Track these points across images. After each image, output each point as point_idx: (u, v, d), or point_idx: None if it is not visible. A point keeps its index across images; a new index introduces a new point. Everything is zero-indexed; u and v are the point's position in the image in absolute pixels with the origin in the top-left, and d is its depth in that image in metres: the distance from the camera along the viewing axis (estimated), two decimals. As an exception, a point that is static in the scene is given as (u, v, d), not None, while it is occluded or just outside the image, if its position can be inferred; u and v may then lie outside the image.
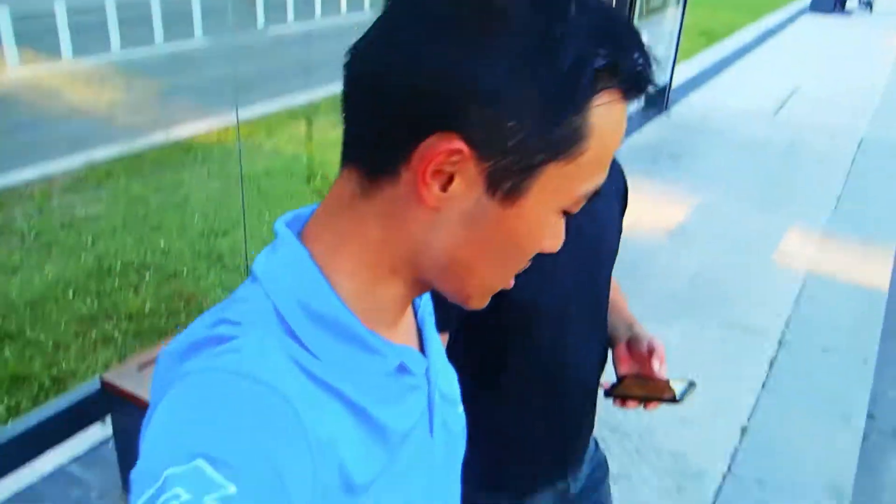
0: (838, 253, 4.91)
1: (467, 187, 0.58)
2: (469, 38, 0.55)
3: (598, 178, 0.62)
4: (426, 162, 0.57)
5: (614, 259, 1.39)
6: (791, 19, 14.34)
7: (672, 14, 7.13)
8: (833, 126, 7.63)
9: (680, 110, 7.75)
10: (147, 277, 4.13)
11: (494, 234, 0.61)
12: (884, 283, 4.57)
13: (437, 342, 0.81)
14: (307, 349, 0.60)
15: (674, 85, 7.68)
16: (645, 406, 1.28)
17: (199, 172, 5.73)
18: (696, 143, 6.78)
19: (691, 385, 1.28)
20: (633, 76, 0.58)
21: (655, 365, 1.29)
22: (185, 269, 4.23)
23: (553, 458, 1.40)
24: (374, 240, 0.63)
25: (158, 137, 6.33)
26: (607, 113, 0.58)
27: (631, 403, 1.28)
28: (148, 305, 3.87)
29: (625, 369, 1.33)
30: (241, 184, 4.99)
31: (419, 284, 0.67)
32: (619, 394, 1.29)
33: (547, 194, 0.59)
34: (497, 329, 1.21)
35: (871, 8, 15.41)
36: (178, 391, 0.54)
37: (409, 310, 0.75)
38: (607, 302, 1.39)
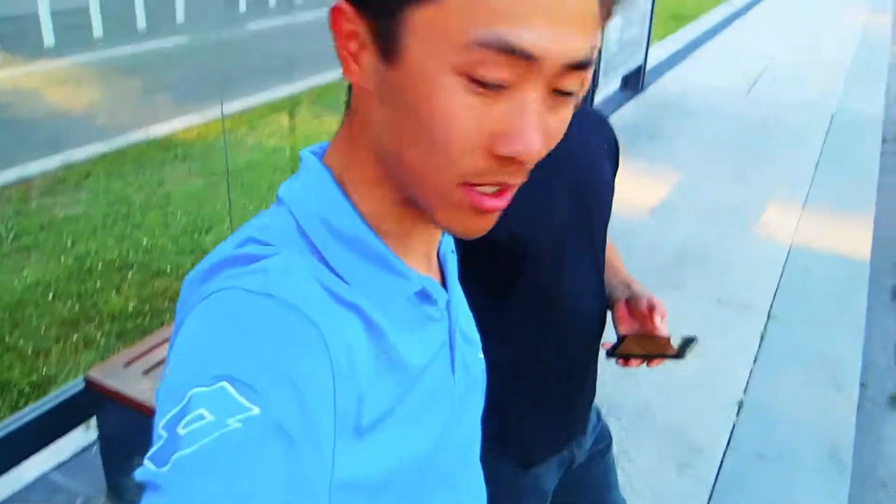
0: (820, 224, 4.96)
1: (370, 55, 0.58)
2: None
3: (486, 24, 0.51)
4: (338, 35, 0.58)
5: (609, 209, 1.38)
6: (757, 0, 14.47)
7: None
8: (805, 101, 7.72)
9: (655, 91, 7.78)
10: (130, 277, 4.06)
11: (399, 105, 0.57)
12: (865, 251, 4.63)
13: (457, 280, 0.79)
14: (331, 268, 0.61)
15: (648, 66, 7.70)
16: (648, 364, 1.28)
17: (181, 169, 5.64)
18: (672, 123, 6.81)
19: (692, 340, 1.28)
20: None
21: (657, 320, 1.28)
22: (169, 267, 4.16)
23: (558, 417, 1.38)
24: (363, 150, 0.63)
25: (138, 135, 6.25)
26: None
27: (634, 362, 1.28)
28: (132, 305, 3.80)
29: (625, 328, 1.33)
30: (228, 178, 4.94)
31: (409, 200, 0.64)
32: (621, 353, 1.29)
33: (425, 46, 0.54)
34: (496, 265, 1.21)
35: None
36: (205, 308, 0.54)
37: (433, 246, 0.74)
38: (604, 249, 1.38)
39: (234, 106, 6.93)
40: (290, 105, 7.22)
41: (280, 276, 0.56)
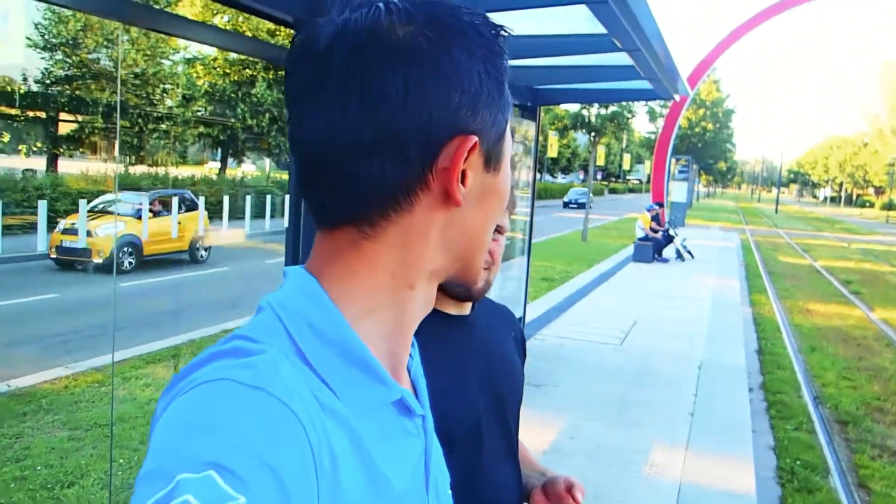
0: (704, 463, 5.07)
1: (474, 173, 0.67)
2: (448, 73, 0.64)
3: None
4: (454, 168, 0.64)
5: (520, 396, 1.42)
6: (619, 266, 15.87)
7: (519, 261, 7.73)
8: (673, 353, 8.21)
9: (535, 343, 8.11)
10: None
11: (494, 200, 0.70)
12: (750, 487, 4.72)
13: (429, 407, 0.80)
14: (315, 371, 0.62)
15: (526, 321, 8.08)
16: None
17: (44, 421, 5.23)
18: (553, 372, 7.04)
19: None
20: None
21: (578, 496, 1.32)
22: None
23: None
24: (387, 269, 0.67)
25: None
26: None
27: None
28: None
29: None
30: (111, 428, 4.60)
31: (428, 297, 0.72)
32: None
33: (508, 148, 0.71)
34: None
35: (682, 258, 17.32)
36: (195, 396, 0.55)
37: (404, 366, 0.76)
38: (517, 436, 1.40)
39: (105, 359, 6.73)
40: (168, 356, 7.03)
41: (269, 371, 0.57)
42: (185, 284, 12.11)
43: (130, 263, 12.29)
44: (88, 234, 11.69)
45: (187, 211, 13.54)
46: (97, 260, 11.67)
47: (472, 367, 1.31)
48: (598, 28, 4.40)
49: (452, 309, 1.31)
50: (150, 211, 13.18)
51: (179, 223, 13.11)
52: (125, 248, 12.23)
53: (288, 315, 0.64)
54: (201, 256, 14.15)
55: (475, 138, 0.65)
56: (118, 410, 5.50)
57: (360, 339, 0.65)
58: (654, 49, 4.75)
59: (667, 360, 7.86)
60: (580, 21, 4.77)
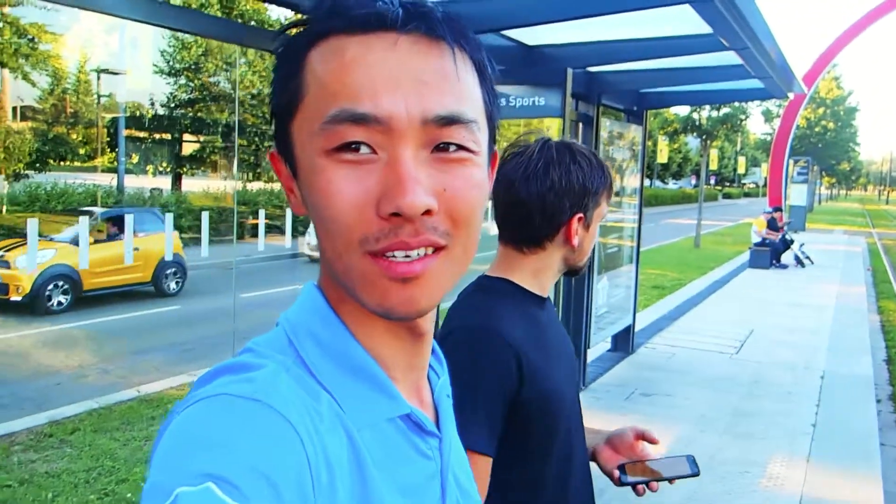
0: (827, 478, 4.82)
1: (295, 184, 0.68)
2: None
3: (331, 105, 0.62)
4: (279, 177, 0.70)
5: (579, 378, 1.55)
6: (734, 273, 15.28)
7: (627, 269, 7.60)
8: (792, 362, 7.85)
9: (645, 352, 7.94)
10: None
11: (310, 211, 0.65)
12: (878, 502, 4.46)
13: (454, 427, 0.79)
14: (321, 384, 0.63)
15: (636, 329, 7.94)
16: (670, 482, 1.43)
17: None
18: (664, 382, 6.87)
19: (689, 457, 1.46)
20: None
21: (653, 436, 1.48)
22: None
23: None
24: (325, 271, 0.71)
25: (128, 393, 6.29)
26: None
27: (653, 485, 1.41)
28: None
29: (616, 461, 1.46)
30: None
31: None
32: (633, 479, 1.40)
33: (301, 145, 0.65)
34: (531, 426, 1.32)
35: (802, 264, 16.51)
36: (192, 413, 0.55)
37: (426, 385, 0.76)
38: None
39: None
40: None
41: (267, 384, 0.58)
42: (143, 324, 9.99)
43: (61, 303, 10.06)
44: (7, 265, 9.71)
45: (151, 233, 10.50)
46: (15, 297, 9.61)
47: (563, 340, 1.48)
48: (703, 27, 4.31)
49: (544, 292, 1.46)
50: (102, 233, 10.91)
51: (139, 249, 10.17)
52: (55, 282, 9.96)
53: (293, 328, 0.67)
54: (170, 288, 11.67)
55: (274, 149, 0.70)
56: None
57: (364, 351, 0.66)
58: (763, 46, 4.60)
59: (785, 371, 7.52)
60: (684, 22, 4.68)
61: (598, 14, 3.61)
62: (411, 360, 0.71)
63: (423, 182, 0.59)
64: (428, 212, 0.59)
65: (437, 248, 0.61)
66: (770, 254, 16.15)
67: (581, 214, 1.40)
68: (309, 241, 15.53)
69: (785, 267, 16.17)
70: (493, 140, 0.70)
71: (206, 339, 8.66)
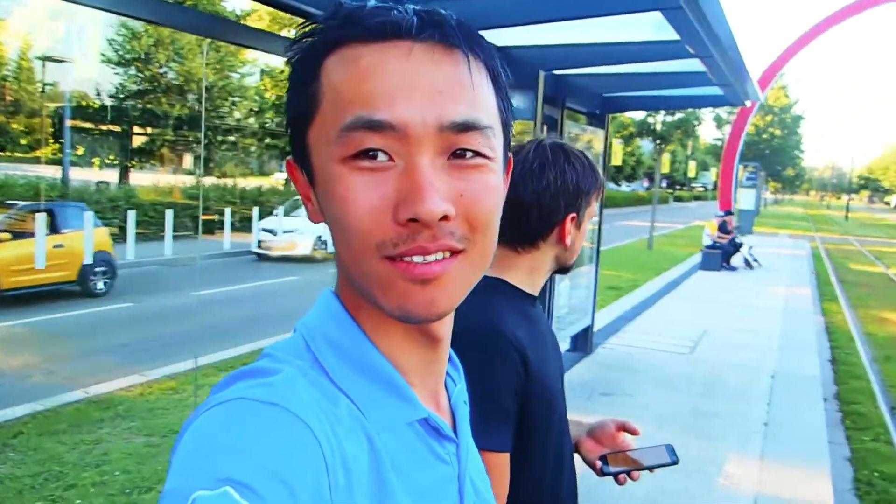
0: (780, 475, 4.94)
1: (313, 192, 0.69)
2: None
3: (348, 112, 0.63)
4: (296, 185, 0.70)
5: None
6: (687, 274, 15.58)
7: (587, 270, 7.67)
8: (744, 362, 8.03)
9: (603, 352, 8.04)
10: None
11: (328, 219, 0.66)
12: (828, 501, 4.59)
13: (470, 434, 0.80)
14: (340, 389, 0.64)
15: (594, 329, 8.03)
16: (651, 471, 1.47)
17: (121, 428, 5.42)
18: (623, 382, 6.96)
19: (668, 446, 1.49)
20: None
21: (634, 427, 1.49)
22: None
23: None
24: (342, 278, 0.72)
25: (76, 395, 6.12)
26: None
27: (634, 475, 1.44)
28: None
29: (598, 451, 1.51)
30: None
31: None
32: (615, 469, 1.44)
33: (318, 154, 0.66)
34: (529, 420, 1.33)
35: (751, 266, 16.91)
36: (210, 417, 0.56)
37: (443, 391, 0.77)
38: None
39: (181, 366, 6.93)
40: (238, 365, 7.17)
41: (285, 388, 0.58)
42: (94, 323, 9.56)
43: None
44: None
45: (77, 229, 9.86)
46: None
47: (552, 337, 1.51)
48: (670, 34, 4.37)
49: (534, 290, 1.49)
50: (9, 232, 9.98)
51: (63, 246, 9.64)
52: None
53: (310, 333, 0.68)
54: (97, 288, 10.87)
55: (290, 157, 0.71)
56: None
57: (382, 356, 0.67)
58: (727, 55, 4.69)
59: (738, 370, 7.69)
60: (650, 28, 4.75)
61: (573, 18, 3.63)
62: (428, 366, 0.72)
63: (439, 188, 0.60)
64: (445, 217, 0.60)
65: (455, 252, 0.62)
66: (721, 256, 16.51)
67: (574, 214, 1.44)
68: (260, 238, 15.46)
69: (735, 269, 16.55)
70: (507, 146, 0.72)
71: (160, 338, 8.48)
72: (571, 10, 3.59)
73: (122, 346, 8.09)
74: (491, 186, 0.64)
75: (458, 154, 0.62)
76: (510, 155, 0.74)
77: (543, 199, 1.40)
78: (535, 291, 1.49)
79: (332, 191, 0.62)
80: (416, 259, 0.61)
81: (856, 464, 5.73)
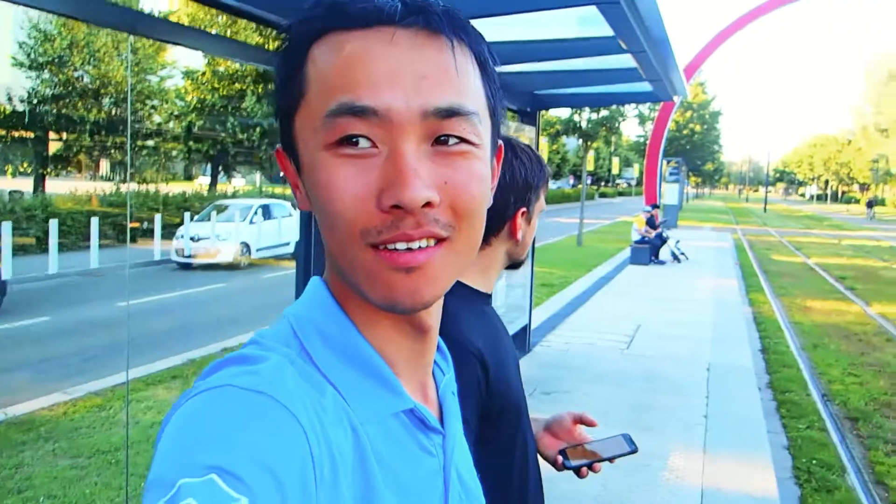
0: (724, 466, 5.01)
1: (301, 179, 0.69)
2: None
3: (332, 99, 0.62)
4: (285, 173, 0.71)
5: None
6: (617, 269, 15.85)
7: (522, 268, 7.68)
8: (679, 355, 8.17)
9: (541, 350, 8.06)
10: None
11: (314, 206, 0.67)
12: (772, 490, 4.66)
13: (459, 425, 0.79)
14: (326, 378, 0.64)
15: (532, 328, 8.02)
16: (610, 461, 1.45)
17: (44, 450, 5.12)
18: (563, 379, 6.97)
19: (626, 436, 1.49)
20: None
21: (591, 419, 1.48)
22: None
23: None
24: (329, 266, 0.73)
25: (-6, 416, 5.72)
26: None
27: (596, 467, 1.43)
28: None
29: (556, 446, 1.48)
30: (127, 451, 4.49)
31: None
32: (576, 462, 1.42)
33: (304, 141, 0.66)
34: (501, 427, 1.33)
35: (678, 259, 17.34)
36: (196, 403, 0.55)
37: (431, 382, 0.77)
38: None
39: (107, 381, 6.63)
40: (168, 378, 6.91)
41: (272, 377, 0.58)
42: (7, 339, 8.91)
43: None
44: None
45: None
46: None
47: (507, 335, 1.48)
48: (603, 30, 4.36)
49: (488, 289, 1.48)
50: None
51: None
52: None
53: (298, 321, 0.68)
54: None
55: (279, 146, 0.72)
56: (120, 434, 5.39)
57: (369, 346, 0.67)
58: (659, 51, 4.71)
59: (675, 363, 7.81)
60: (582, 24, 4.73)
61: (513, 13, 3.57)
62: (416, 356, 0.72)
63: (423, 175, 0.60)
64: (429, 204, 0.60)
65: (440, 240, 0.62)
66: (649, 251, 16.85)
67: (524, 209, 1.45)
68: (177, 246, 15.14)
69: (663, 263, 16.92)
70: (496, 133, 0.71)
71: (81, 352, 8.09)
72: (511, 5, 3.52)
73: (41, 362, 7.67)
74: (476, 174, 0.64)
75: (442, 140, 0.62)
76: (500, 142, 0.74)
77: (493, 196, 1.35)
78: (490, 290, 1.48)
79: (317, 178, 0.62)
80: (400, 246, 0.60)
81: (794, 452, 5.85)
